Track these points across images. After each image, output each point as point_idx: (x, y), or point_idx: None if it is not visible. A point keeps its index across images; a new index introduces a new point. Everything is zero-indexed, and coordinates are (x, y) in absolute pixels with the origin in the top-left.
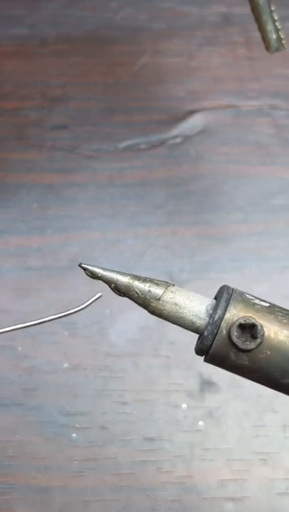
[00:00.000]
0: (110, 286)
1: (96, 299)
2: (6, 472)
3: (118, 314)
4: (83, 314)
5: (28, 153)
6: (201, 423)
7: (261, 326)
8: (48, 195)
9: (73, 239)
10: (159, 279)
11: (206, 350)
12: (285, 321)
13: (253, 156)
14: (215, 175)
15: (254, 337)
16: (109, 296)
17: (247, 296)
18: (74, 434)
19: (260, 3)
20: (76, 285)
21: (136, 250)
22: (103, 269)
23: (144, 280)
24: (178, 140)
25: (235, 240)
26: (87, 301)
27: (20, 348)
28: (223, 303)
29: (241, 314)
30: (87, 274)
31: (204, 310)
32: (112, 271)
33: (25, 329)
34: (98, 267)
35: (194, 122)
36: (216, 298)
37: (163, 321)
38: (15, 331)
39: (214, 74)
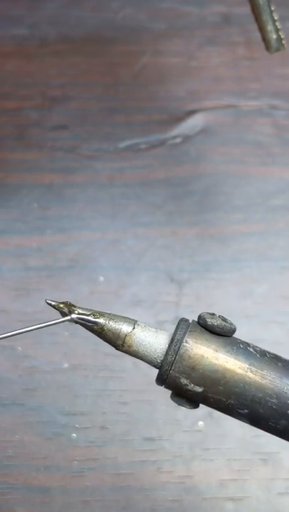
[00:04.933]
0: (59, 311)
1: (65, 321)
2: (6, 472)
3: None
4: None
5: (29, 153)
6: (201, 423)
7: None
8: (48, 195)
9: (73, 239)
10: (119, 314)
11: (163, 384)
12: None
13: (253, 156)
14: (215, 175)
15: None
16: (110, 296)
17: (199, 334)
18: (74, 434)
19: (260, 3)
20: (76, 285)
21: (136, 250)
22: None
23: (107, 318)
24: (178, 140)
25: (235, 239)
26: (57, 319)
27: (20, 348)
28: (175, 345)
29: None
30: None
31: (162, 348)
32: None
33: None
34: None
35: (194, 122)
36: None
37: (163, 321)
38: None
39: (214, 74)
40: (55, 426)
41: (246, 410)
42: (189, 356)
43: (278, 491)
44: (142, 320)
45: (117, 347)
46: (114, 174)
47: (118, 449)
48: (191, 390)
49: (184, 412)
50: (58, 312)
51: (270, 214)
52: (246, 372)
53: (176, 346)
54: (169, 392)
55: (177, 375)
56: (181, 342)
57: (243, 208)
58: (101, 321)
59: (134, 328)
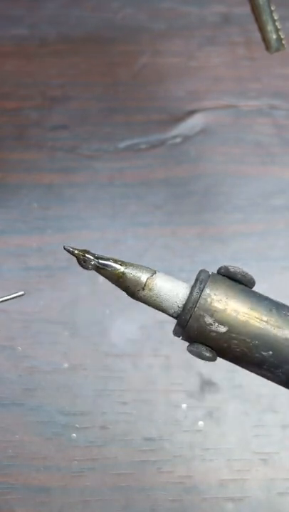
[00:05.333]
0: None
1: (16, 296)
2: (6, 472)
3: (118, 314)
4: (83, 314)
5: (28, 153)
6: (201, 423)
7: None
8: (48, 195)
9: (73, 239)
10: (139, 263)
11: (184, 326)
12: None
13: (253, 156)
14: (215, 175)
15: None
16: (110, 297)
17: (221, 279)
18: (74, 434)
19: (260, 3)
20: (76, 285)
21: (136, 250)
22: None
23: (128, 265)
24: (178, 140)
25: (235, 239)
26: (8, 295)
27: (20, 348)
28: (196, 290)
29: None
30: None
31: (184, 292)
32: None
33: (25, 329)
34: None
35: (194, 122)
36: (197, 280)
37: (163, 321)
38: (15, 331)
39: (214, 74)
40: (55, 426)
41: (271, 352)
42: (212, 298)
43: (278, 491)
44: (141, 320)
45: (136, 293)
46: (114, 174)
47: (118, 449)
48: (214, 331)
49: (183, 412)
50: (56, 313)
51: (270, 214)
52: (270, 311)
53: (201, 286)
54: (169, 391)
55: (202, 313)
56: (206, 283)
57: (243, 208)
58: (122, 266)
59: (154, 273)
